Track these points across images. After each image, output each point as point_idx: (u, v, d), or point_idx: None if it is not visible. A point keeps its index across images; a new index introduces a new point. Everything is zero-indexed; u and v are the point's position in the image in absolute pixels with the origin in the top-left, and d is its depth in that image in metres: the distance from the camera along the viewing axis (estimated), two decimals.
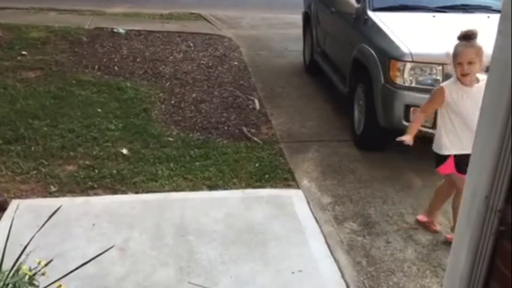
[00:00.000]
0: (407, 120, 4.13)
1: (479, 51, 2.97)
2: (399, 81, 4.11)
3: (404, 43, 4.19)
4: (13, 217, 2.64)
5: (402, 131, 4.22)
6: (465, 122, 3.06)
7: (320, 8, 6.35)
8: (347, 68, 5.05)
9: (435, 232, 3.41)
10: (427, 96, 4.08)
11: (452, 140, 3.13)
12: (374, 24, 4.67)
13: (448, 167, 3.16)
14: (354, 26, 5.01)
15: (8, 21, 7.86)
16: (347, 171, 4.23)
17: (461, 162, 3.11)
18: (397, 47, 4.20)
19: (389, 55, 4.19)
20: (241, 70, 6.65)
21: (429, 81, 4.09)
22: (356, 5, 4.98)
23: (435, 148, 3.22)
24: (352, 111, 4.85)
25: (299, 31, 7.41)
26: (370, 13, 4.81)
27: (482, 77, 3.02)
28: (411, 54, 4.08)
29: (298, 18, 7.60)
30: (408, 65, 4.07)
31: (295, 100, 5.80)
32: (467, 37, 3.00)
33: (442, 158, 3.18)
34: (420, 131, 4.14)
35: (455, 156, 3.12)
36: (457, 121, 3.10)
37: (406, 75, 4.09)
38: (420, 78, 4.10)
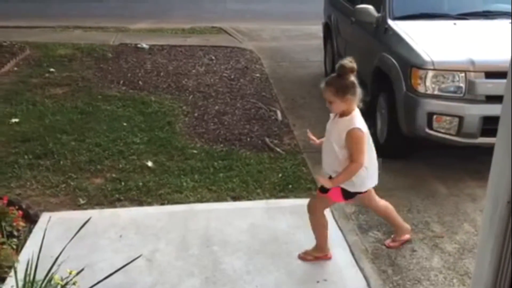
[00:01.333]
0: (430, 128, 4.11)
1: (338, 91, 2.77)
2: (421, 89, 4.10)
3: (425, 51, 4.19)
4: (45, 229, 2.72)
5: (425, 139, 4.23)
6: (324, 144, 3.01)
7: (341, 18, 6.38)
8: (368, 77, 5.05)
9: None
10: (449, 103, 4.09)
11: None
12: (394, 33, 4.68)
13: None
14: (374, 36, 5.02)
15: (36, 40, 8.12)
16: None
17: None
18: (418, 55, 4.19)
19: (411, 63, 4.19)
20: (262, 81, 6.72)
21: (452, 89, 4.07)
22: (376, 14, 4.99)
23: None
24: (374, 120, 4.84)
25: (320, 42, 7.45)
26: (391, 22, 4.82)
27: (347, 120, 2.83)
28: (432, 62, 4.08)
29: (317, 29, 7.64)
30: (430, 73, 4.06)
31: (317, 110, 5.80)
32: (338, 73, 2.81)
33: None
34: (444, 138, 4.14)
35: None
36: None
37: (428, 83, 4.08)
38: (443, 86, 4.08)
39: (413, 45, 4.34)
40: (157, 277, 2.94)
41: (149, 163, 4.35)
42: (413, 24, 4.82)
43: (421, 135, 4.22)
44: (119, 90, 6.14)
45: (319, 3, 7.71)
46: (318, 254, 3.12)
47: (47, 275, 2.22)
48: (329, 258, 3.12)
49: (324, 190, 2.98)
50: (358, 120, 2.85)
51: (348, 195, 2.98)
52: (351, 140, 2.81)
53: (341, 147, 2.84)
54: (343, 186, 2.93)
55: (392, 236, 3.36)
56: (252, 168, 4.32)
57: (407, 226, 3.37)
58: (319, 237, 3.10)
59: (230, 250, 3.19)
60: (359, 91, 2.83)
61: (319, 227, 3.09)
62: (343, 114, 2.86)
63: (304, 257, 3.12)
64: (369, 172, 2.94)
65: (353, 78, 2.81)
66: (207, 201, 3.84)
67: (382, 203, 3.23)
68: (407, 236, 3.35)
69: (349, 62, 2.80)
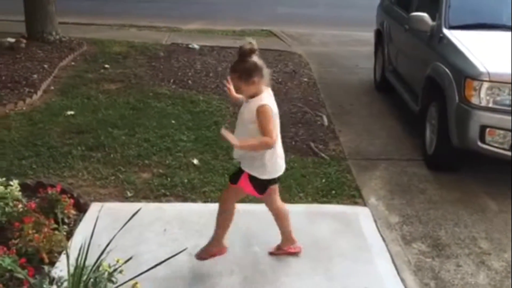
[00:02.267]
0: (483, 141, 4.00)
1: (242, 76, 2.70)
2: (474, 100, 3.99)
3: (481, 62, 4.08)
4: (97, 217, 2.83)
5: (477, 152, 4.11)
6: (236, 128, 2.88)
7: (393, 25, 6.29)
8: (419, 86, 4.96)
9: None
10: (504, 117, 3.96)
11: None
12: (449, 42, 4.57)
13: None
14: (428, 44, 4.92)
15: (93, 36, 8.43)
16: (417, 191, 4.14)
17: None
18: (473, 66, 4.09)
19: (465, 73, 4.09)
20: (310, 86, 6.70)
21: (508, 102, 3.95)
22: (431, 23, 4.90)
23: None
24: (423, 130, 4.74)
25: (370, 49, 7.37)
26: (446, 31, 4.72)
27: (257, 98, 2.73)
28: (488, 73, 3.96)
29: (369, 35, 7.56)
30: (485, 85, 3.95)
31: (364, 117, 5.75)
32: (238, 57, 2.72)
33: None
34: (496, 153, 4.01)
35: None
36: None
37: (482, 95, 3.97)
38: (498, 98, 3.97)
39: (468, 55, 4.24)
40: (198, 272, 3.00)
41: (195, 161, 4.43)
42: (469, 34, 4.70)
43: (472, 148, 4.10)
44: (169, 88, 6.28)
45: (370, 10, 7.64)
46: (214, 248, 3.02)
47: (96, 262, 2.31)
48: (224, 253, 3.04)
49: (234, 181, 2.90)
50: (267, 98, 2.76)
51: (260, 186, 2.87)
52: (261, 115, 2.69)
53: (254, 123, 2.73)
54: (253, 173, 2.80)
55: (278, 244, 3.19)
56: (296, 171, 4.33)
57: (295, 240, 3.18)
58: (221, 228, 3.01)
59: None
60: (266, 71, 2.74)
61: (225, 218, 2.99)
62: (253, 96, 2.77)
63: (202, 256, 3.03)
64: (278, 155, 2.86)
65: (255, 59, 2.72)
66: (250, 202, 3.84)
67: (285, 207, 3.10)
68: (292, 249, 3.17)
69: (247, 43, 2.72)
